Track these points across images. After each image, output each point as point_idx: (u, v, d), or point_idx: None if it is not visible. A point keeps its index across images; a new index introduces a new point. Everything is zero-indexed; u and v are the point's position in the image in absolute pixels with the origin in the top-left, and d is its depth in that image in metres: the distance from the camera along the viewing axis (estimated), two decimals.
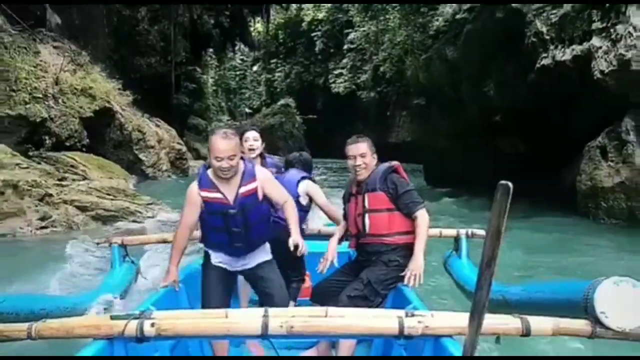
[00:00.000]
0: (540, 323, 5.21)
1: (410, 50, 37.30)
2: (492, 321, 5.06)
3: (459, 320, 5.15)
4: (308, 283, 9.45)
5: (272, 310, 5.26)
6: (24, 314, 6.77)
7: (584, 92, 22.84)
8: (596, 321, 5.01)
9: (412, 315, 5.22)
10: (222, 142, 7.05)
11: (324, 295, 7.70)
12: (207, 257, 7.71)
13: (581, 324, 5.14)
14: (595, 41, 21.92)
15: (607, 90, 21.68)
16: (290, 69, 66.79)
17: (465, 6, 30.33)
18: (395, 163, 7.87)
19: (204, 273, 7.62)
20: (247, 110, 74.72)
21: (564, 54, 23.63)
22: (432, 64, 33.81)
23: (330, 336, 5.99)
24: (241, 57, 74.40)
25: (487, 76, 28.79)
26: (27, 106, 27.91)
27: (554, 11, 24.26)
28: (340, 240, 8.58)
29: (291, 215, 7.61)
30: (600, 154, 23.03)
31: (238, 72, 78.82)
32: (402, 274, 7.37)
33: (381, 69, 42.48)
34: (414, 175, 33.49)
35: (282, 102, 58.89)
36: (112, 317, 5.19)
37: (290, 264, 8.66)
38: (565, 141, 24.18)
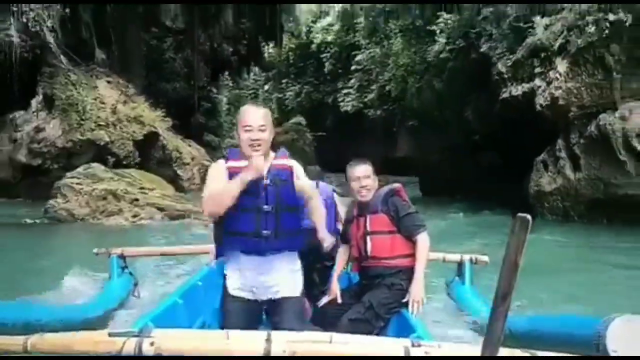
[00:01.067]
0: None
1: (411, 73, 36.64)
2: (503, 355, 3.96)
3: (467, 352, 4.26)
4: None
5: (275, 334, 4.40)
6: (19, 323, 5.93)
7: (532, 119, 24.93)
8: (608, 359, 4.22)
9: (419, 345, 4.28)
10: (252, 110, 5.92)
11: (324, 318, 6.68)
12: (225, 288, 6.00)
13: None
14: (537, 82, 24.66)
15: (546, 119, 24.49)
16: (301, 89, 63.01)
17: (448, 47, 32.11)
18: (397, 186, 6.93)
19: (223, 309, 6.04)
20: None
21: (517, 90, 25.95)
22: (423, 92, 35.04)
23: None
24: (254, 77, 70.22)
25: (466, 105, 31.33)
26: (94, 132, 30.37)
27: (510, 56, 26.43)
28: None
29: (317, 207, 5.99)
30: (543, 167, 25.35)
31: (250, 91, 74.07)
32: (405, 300, 6.46)
33: (387, 87, 40.51)
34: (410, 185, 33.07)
35: (293, 120, 55.89)
36: (110, 335, 4.28)
37: (316, 274, 7.69)
38: (526, 156, 26.21)
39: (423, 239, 6.57)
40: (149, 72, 38.49)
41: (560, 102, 23.09)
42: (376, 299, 6.42)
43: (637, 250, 17.36)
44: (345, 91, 48.75)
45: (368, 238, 6.70)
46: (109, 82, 33.01)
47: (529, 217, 2.82)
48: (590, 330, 4.43)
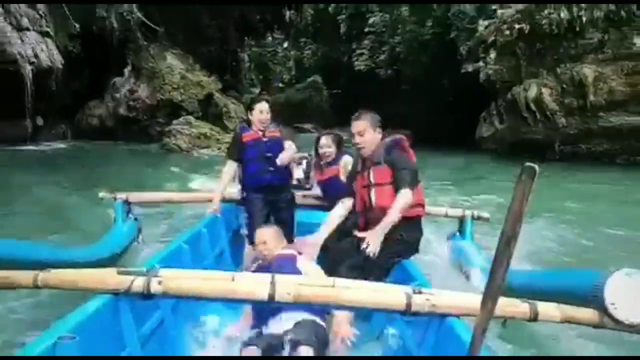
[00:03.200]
0: (549, 309, 3.35)
1: (415, 38, 34.39)
2: (501, 304, 3.06)
3: (468, 301, 3.33)
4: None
5: (280, 277, 3.33)
6: (27, 261, 4.64)
7: (479, 88, 26.40)
8: (604, 312, 3.26)
9: (420, 292, 3.32)
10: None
11: (326, 262, 5.03)
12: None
13: (589, 313, 3.34)
14: (480, 63, 26.40)
15: (485, 88, 26.35)
16: (317, 48, 54.51)
17: (431, 30, 32.78)
18: (399, 137, 5.21)
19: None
20: (280, 84, 58.80)
21: (470, 68, 27.74)
22: (417, 61, 33.95)
23: (336, 307, 3.82)
24: (274, 35, 57.46)
25: (443, 75, 31.67)
26: (170, 93, 29.94)
27: (467, 43, 28.66)
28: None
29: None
30: (483, 120, 26.91)
31: (270, 49, 62.03)
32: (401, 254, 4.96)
33: (396, 49, 36.99)
34: None
35: (311, 79, 50.44)
36: (119, 272, 3.23)
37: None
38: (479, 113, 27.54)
39: (402, 194, 4.78)
40: (189, 39, 35.35)
41: (492, 78, 25.39)
42: (380, 247, 4.74)
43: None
44: (359, 52, 42.91)
45: (372, 190, 5.06)
46: (174, 53, 31.95)
47: (536, 166, 2.21)
48: (589, 283, 3.44)
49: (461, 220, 6.97)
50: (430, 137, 31.60)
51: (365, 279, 4.07)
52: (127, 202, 6.97)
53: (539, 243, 8.73)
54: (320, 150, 6.43)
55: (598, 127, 21.52)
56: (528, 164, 2.22)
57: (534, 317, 3.31)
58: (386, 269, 4.82)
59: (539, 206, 11.66)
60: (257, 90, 43.02)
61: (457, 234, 6.98)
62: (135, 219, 7.00)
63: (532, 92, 22.97)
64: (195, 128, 27.27)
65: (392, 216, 4.73)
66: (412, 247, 5.07)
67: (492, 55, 25.37)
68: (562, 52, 22.46)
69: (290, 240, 5.68)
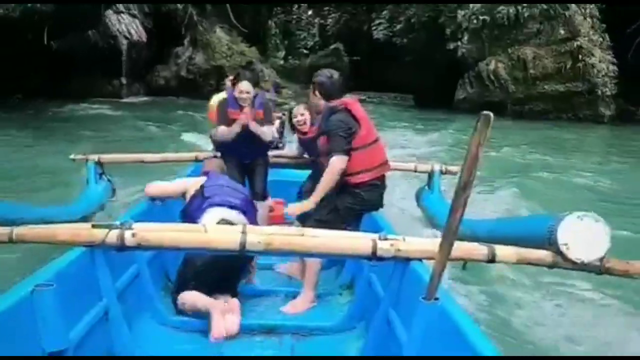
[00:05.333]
0: (505, 251, 2.64)
1: (417, 18, 30.11)
2: (461, 247, 2.50)
3: (430, 245, 2.54)
4: (281, 211, 4.74)
5: (251, 228, 2.55)
6: (2, 219, 3.30)
7: (459, 61, 25.38)
8: (558, 252, 2.57)
9: (385, 238, 2.54)
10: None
11: (306, 215, 3.66)
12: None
13: (544, 254, 2.63)
14: (458, 43, 25.31)
15: (462, 62, 25.42)
16: (340, 17, 44.42)
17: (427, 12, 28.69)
18: (345, 100, 3.67)
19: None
20: (304, 50, 46.41)
21: (452, 46, 25.55)
22: (421, 31, 29.22)
23: (306, 254, 3.03)
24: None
25: (436, 50, 27.43)
26: (220, 60, 27.95)
27: (451, 26, 26.29)
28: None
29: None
30: (460, 86, 25.56)
31: (294, 16, 49.97)
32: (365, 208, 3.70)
33: (412, 20, 30.72)
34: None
35: (333, 46, 41.18)
36: (94, 226, 2.42)
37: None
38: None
39: (332, 162, 3.46)
40: (234, 12, 31.42)
41: (465, 54, 24.90)
42: (341, 204, 3.58)
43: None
44: (378, 21, 36.18)
45: (322, 157, 3.78)
46: (221, 27, 29.71)
47: (491, 114, 1.81)
48: (544, 227, 2.71)
49: (430, 175, 5.38)
50: (424, 99, 30.74)
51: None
52: (99, 163, 5.24)
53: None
54: (295, 121, 4.84)
55: (536, 92, 23.12)
56: (484, 112, 1.81)
57: (492, 259, 2.58)
58: (350, 223, 3.61)
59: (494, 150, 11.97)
60: (282, 55, 39.37)
61: (426, 188, 5.43)
62: (109, 180, 5.35)
63: (492, 66, 23.89)
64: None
65: (321, 188, 3.51)
66: (375, 204, 3.75)
67: (466, 37, 25.14)
68: (512, 38, 23.53)
69: (264, 196, 4.76)
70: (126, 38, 25.84)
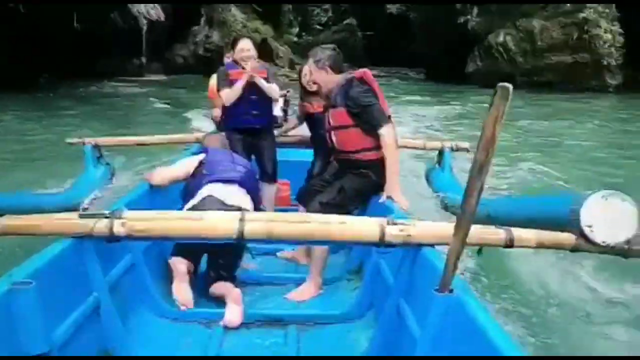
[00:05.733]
0: (524, 234, 2.26)
1: None
2: (476, 231, 2.12)
3: (442, 229, 2.22)
4: (286, 192, 4.67)
5: (250, 214, 2.21)
6: None
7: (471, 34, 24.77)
8: (581, 234, 2.22)
9: (394, 223, 2.19)
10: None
11: (307, 196, 3.39)
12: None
13: (565, 237, 2.26)
14: (468, 16, 25.27)
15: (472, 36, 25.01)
16: None
17: None
18: (358, 72, 3.26)
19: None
20: (318, 26, 42.99)
21: (463, 20, 25.48)
22: (433, 5, 27.96)
23: (309, 242, 2.75)
24: None
25: (447, 23, 26.80)
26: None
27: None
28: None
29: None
30: (470, 60, 25.12)
31: None
32: (382, 198, 3.11)
33: None
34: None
35: (346, 21, 39.47)
36: (81, 216, 2.11)
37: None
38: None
39: (388, 134, 3.08)
40: None
41: (475, 27, 24.73)
42: (349, 185, 3.17)
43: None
44: None
45: (332, 133, 3.27)
46: (237, 6, 28.97)
47: (510, 86, 1.44)
48: (566, 207, 2.34)
49: (440, 152, 4.83)
50: (435, 73, 29.69)
51: (337, 213, 2.83)
52: (96, 147, 4.71)
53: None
54: (304, 80, 4.24)
55: (544, 64, 22.65)
56: (502, 84, 1.47)
57: (510, 244, 2.22)
58: (358, 205, 3.26)
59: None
60: (295, 31, 37.60)
61: (436, 166, 4.88)
62: (107, 164, 4.83)
63: (500, 39, 23.49)
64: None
65: (394, 164, 3.08)
66: (382, 184, 3.23)
67: (475, 11, 24.90)
68: (520, 10, 23.04)
69: (273, 178, 4.27)
70: (146, 18, 25.80)
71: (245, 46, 4.19)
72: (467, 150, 4.81)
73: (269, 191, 4.16)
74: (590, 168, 7.76)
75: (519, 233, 2.24)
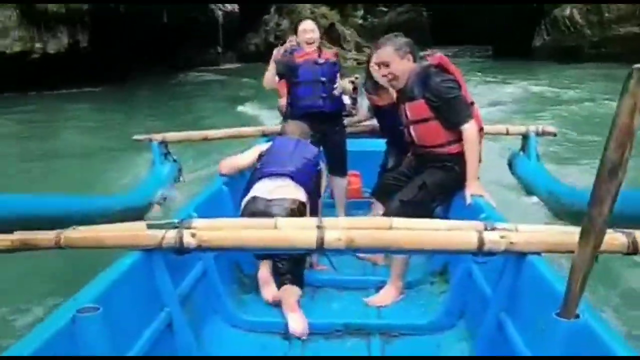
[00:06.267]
0: None
1: None
2: None
3: (550, 236, 1.83)
4: (357, 184, 4.12)
5: (328, 221, 1.88)
6: (56, 215, 2.79)
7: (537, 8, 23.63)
8: None
9: (493, 228, 1.83)
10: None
11: (384, 192, 2.99)
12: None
13: None
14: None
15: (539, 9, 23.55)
16: None
17: None
18: (435, 58, 2.86)
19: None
20: (383, 8, 35.73)
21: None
22: None
23: (395, 251, 2.29)
24: None
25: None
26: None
27: None
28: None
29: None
30: (536, 34, 23.75)
31: None
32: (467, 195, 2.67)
33: None
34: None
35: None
36: (149, 226, 1.87)
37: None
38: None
39: (470, 130, 2.68)
40: None
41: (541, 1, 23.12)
42: (430, 179, 2.74)
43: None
44: None
45: (411, 127, 2.84)
46: None
47: None
48: None
49: (524, 137, 4.29)
50: (502, 49, 27.99)
51: (422, 214, 2.38)
52: (163, 143, 4.47)
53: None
54: (376, 74, 3.31)
55: (612, 35, 21.30)
56: (638, 65, 1.09)
57: (634, 250, 1.78)
58: (442, 202, 2.86)
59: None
60: (360, 14, 36.15)
61: (521, 153, 4.34)
62: (175, 160, 4.57)
63: (567, 12, 22.32)
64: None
65: (474, 158, 2.69)
66: (465, 179, 2.79)
67: None
68: None
69: (344, 172, 3.79)
70: (221, 10, 26.29)
71: (308, 27, 3.74)
72: (554, 134, 4.28)
73: (339, 185, 3.74)
74: None
75: None
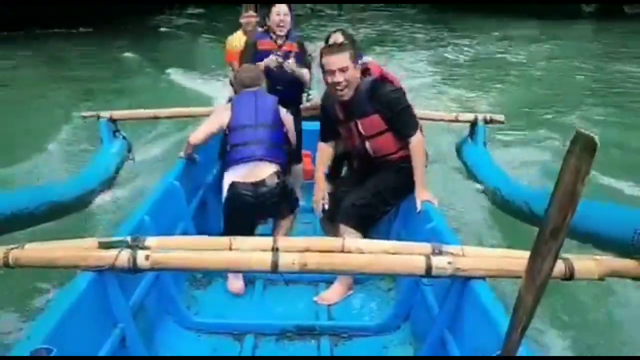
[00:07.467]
0: (585, 264, 1.74)
1: None
2: (519, 261, 1.63)
3: (495, 261, 1.78)
4: (310, 165, 3.82)
5: (282, 242, 1.79)
6: (11, 211, 2.61)
7: None
8: None
9: (440, 252, 1.78)
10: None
11: (336, 210, 2.67)
12: None
13: (630, 265, 1.76)
14: None
15: None
16: None
17: None
18: (377, 72, 2.71)
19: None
20: None
21: None
22: None
23: (347, 273, 2.34)
24: None
25: None
26: None
27: None
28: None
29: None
30: None
31: None
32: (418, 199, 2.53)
33: None
34: None
35: None
36: (101, 245, 1.73)
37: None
38: None
39: (416, 141, 2.54)
40: None
41: None
42: (383, 184, 2.62)
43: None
44: None
45: (367, 142, 2.62)
46: None
47: (596, 138, 0.87)
48: (630, 226, 1.90)
49: (473, 125, 4.19)
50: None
51: (374, 217, 2.55)
52: (112, 121, 4.08)
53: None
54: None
55: None
56: (581, 131, 0.91)
57: (570, 276, 1.74)
58: (393, 205, 2.72)
59: None
60: None
61: (469, 139, 4.25)
62: (124, 137, 4.20)
63: None
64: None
65: (421, 168, 2.54)
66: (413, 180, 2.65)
67: None
68: None
69: (298, 155, 3.55)
70: None
71: (283, 10, 3.40)
72: (501, 122, 4.26)
73: (295, 171, 3.57)
74: None
75: (579, 263, 1.79)
